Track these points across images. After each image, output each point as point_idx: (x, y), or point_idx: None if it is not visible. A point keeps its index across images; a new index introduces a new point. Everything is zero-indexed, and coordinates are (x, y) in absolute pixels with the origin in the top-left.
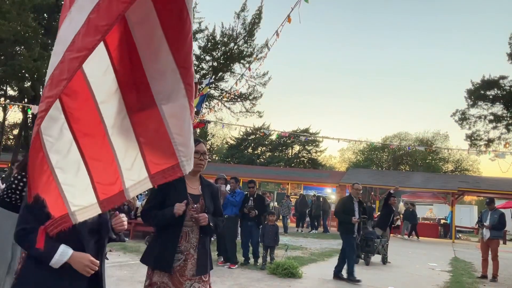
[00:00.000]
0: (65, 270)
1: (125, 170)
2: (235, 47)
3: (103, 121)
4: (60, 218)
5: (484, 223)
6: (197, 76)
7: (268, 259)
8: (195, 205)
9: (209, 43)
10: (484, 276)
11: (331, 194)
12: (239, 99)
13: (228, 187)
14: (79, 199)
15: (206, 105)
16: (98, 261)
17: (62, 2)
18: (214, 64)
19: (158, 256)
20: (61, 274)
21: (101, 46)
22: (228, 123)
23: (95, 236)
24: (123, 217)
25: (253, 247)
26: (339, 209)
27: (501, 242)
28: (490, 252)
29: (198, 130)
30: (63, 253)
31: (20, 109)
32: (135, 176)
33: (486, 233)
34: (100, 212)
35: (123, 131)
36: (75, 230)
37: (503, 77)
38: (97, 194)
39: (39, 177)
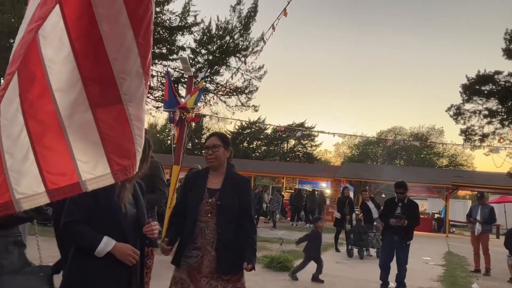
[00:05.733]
0: (109, 260)
1: (80, 163)
2: (231, 40)
3: (58, 109)
4: (2, 205)
5: (476, 218)
6: (193, 69)
7: None
8: (210, 200)
9: (205, 37)
10: (477, 270)
11: (326, 188)
12: (234, 93)
13: None
14: (24, 187)
15: (201, 99)
16: (138, 251)
17: None
18: (209, 57)
19: (177, 252)
20: (105, 263)
21: (62, 31)
22: (223, 117)
23: (135, 228)
24: (154, 225)
25: None
26: None
27: (491, 236)
28: (481, 247)
29: (193, 124)
30: (107, 243)
31: None
32: (96, 171)
33: (479, 228)
34: (48, 201)
35: (84, 124)
36: (118, 222)
37: (498, 72)
38: (45, 183)
39: None
